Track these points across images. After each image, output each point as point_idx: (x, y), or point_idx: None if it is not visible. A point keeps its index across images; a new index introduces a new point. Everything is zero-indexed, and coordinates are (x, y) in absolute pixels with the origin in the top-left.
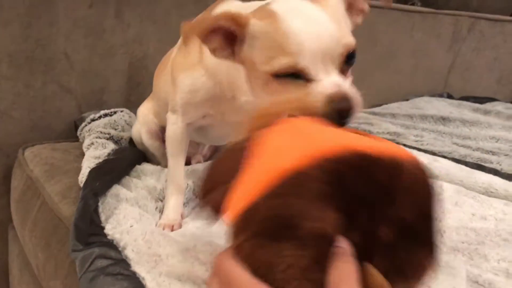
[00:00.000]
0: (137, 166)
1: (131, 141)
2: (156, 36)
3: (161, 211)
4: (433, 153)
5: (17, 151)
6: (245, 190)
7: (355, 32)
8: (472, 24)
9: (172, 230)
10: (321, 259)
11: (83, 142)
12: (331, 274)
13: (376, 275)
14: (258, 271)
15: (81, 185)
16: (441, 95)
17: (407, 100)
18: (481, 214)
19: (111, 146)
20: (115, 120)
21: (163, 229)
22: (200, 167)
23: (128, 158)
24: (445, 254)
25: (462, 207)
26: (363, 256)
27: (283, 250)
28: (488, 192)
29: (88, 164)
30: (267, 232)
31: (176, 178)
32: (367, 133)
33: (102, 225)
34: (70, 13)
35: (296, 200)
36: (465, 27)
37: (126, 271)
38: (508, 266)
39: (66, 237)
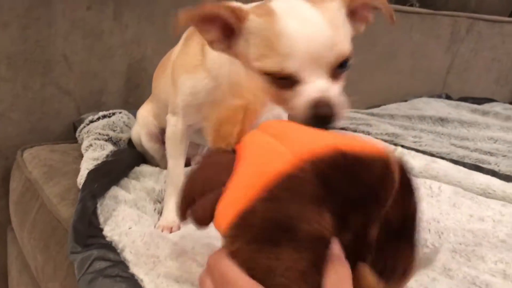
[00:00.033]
0: (136, 168)
1: (129, 142)
2: (155, 38)
3: (160, 213)
4: (431, 154)
5: (16, 153)
6: (238, 195)
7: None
8: (470, 25)
9: (170, 232)
10: (318, 262)
11: (81, 143)
12: (328, 277)
13: (369, 276)
14: (256, 276)
15: (80, 186)
16: (439, 96)
17: (406, 100)
18: (478, 215)
19: (109, 148)
20: (113, 122)
21: (162, 230)
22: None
23: (126, 160)
24: (443, 256)
25: (460, 208)
26: (354, 257)
27: (281, 253)
28: (486, 193)
29: (86, 165)
30: (264, 236)
31: (176, 180)
32: (346, 134)
33: (101, 227)
34: (68, 14)
35: (291, 203)
36: (464, 28)
37: (124, 273)
38: (505, 267)
39: (65, 239)
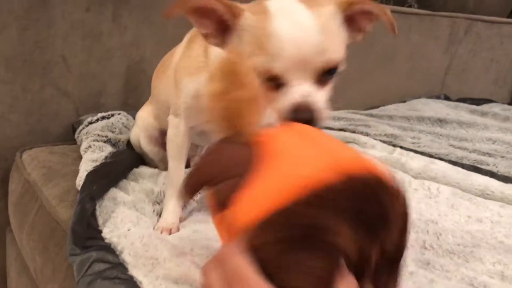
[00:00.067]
0: (135, 169)
1: (128, 143)
2: (153, 39)
3: (159, 214)
4: (430, 155)
5: (15, 155)
6: (271, 192)
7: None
8: (468, 26)
9: (170, 234)
10: (335, 272)
11: (80, 145)
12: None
13: None
14: (274, 275)
15: (79, 188)
16: (438, 97)
17: (405, 101)
18: (477, 216)
19: (108, 149)
20: (112, 123)
21: (161, 232)
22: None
23: (125, 161)
24: (441, 257)
25: (458, 210)
26: (356, 275)
27: (306, 259)
28: (484, 194)
29: (85, 167)
30: (293, 238)
31: (176, 181)
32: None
33: (100, 228)
34: (67, 16)
35: (325, 213)
36: (462, 29)
37: (123, 275)
38: (503, 268)
39: (64, 240)
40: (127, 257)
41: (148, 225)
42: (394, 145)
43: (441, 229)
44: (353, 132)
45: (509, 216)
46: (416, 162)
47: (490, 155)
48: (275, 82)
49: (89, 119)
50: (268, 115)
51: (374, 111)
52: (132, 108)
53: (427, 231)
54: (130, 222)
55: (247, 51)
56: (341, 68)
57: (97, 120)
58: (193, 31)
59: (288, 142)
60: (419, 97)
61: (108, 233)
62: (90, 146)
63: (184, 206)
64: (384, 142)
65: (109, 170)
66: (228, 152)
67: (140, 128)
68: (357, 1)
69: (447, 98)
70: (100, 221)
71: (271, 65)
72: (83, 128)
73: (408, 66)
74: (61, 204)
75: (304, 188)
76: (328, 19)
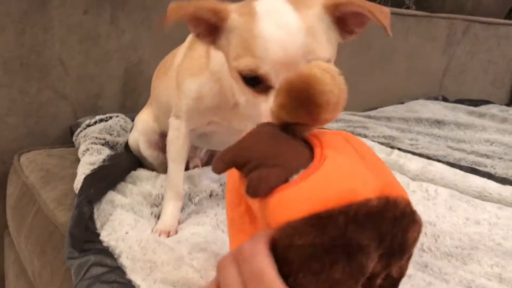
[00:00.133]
0: (133, 172)
1: (126, 146)
2: (151, 42)
3: (157, 217)
4: (428, 157)
5: (13, 158)
6: (317, 195)
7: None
8: (466, 27)
9: (168, 236)
10: None
11: (78, 147)
12: None
13: None
14: (293, 277)
15: (77, 191)
16: (436, 98)
17: (403, 103)
18: (475, 218)
19: (106, 152)
20: (110, 125)
21: (159, 235)
22: (197, 172)
23: (123, 164)
24: (439, 260)
25: (456, 212)
26: None
27: (333, 271)
28: (482, 196)
29: (83, 170)
30: (327, 248)
31: (176, 184)
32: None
33: (98, 231)
34: (65, 19)
35: (366, 233)
36: (460, 30)
37: (121, 278)
38: (501, 271)
39: (62, 244)
40: (125, 260)
41: (146, 228)
42: (392, 147)
43: (439, 231)
44: (351, 133)
45: (507, 218)
46: (414, 164)
47: (488, 156)
48: (263, 85)
49: (87, 122)
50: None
51: (372, 113)
52: (130, 111)
53: (425, 233)
54: (128, 225)
55: (234, 52)
56: None
57: (95, 122)
58: None
59: (339, 152)
60: (417, 99)
61: (106, 236)
62: (88, 149)
63: (182, 209)
64: (382, 143)
65: (107, 173)
66: (279, 140)
67: (139, 132)
68: (344, 2)
69: (445, 99)
70: (98, 224)
71: (257, 66)
72: (81, 130)
73: (406, 67)
74: (59, 207)
75: (347, 202)
76: (315, 20)
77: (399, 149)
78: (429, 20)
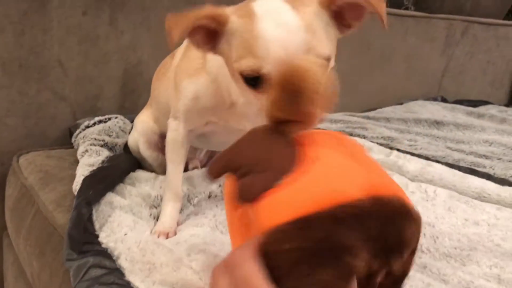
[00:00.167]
0: (132, 173)
1: (125, 147)
2: (150, 43)
3: (156, 218)
4: (426, 158)
5: (12, 159)
6: (300, 199)
7: (349, 36)
8: (465, 28)
9: (167, 238)
10: None
11: (77, 149)
12: None
13: None
14: (282, 281)
15: (75, 193)
16: (435, 99)
17: (402, 103)
18: (473, 219)
19: (105, 153)
20: (109, 127)
21: (158, 236)
22: (196, 173)
23: (122, 165)
24: (438, 261)
25: (455, 212)
26: None
27: (320, 273)
28: (481, 197)
29: (82, 171)
30: (312, 251)
31: (174, 185)
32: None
33: (96, 233)
34: (63, 20)
35: (348, 232)
36: (459, 31)
37: (120, 280)
38: (499, 272)
39: (61, 245)
40: (123, 262)
41: (145, 229)
42: (391, 148)
43: (438, 232)
44: (350, 134)
45: (505, 219)
46: (413, 164)
47: (487, 157)
48: (265, 84)
49: (86, 123)
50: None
51: (371, 114)
52: (129, 112)
53: (424, 234)
54: (126, 226)
55: (236, 54)
56: (331, 65)
57: (94, 124)
58: None
59: (329, 152)
60: (416, 99)
61: (105, 238)
62: (87, 150)
63: (181, 210)
64: (381, 144)
65: (106, 174)
66: (269, 144)
67: (139, 132)
68: None
69: (444, 100)
70: (96, 225)
71: (259, 66)
72: (80, 132)
73: (405, 68)
74: (58, 208)
75: (333, 203)
76: (313, 17)
77: (398, 150)
78: (428, 21)
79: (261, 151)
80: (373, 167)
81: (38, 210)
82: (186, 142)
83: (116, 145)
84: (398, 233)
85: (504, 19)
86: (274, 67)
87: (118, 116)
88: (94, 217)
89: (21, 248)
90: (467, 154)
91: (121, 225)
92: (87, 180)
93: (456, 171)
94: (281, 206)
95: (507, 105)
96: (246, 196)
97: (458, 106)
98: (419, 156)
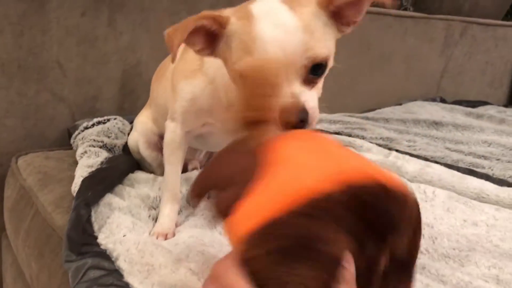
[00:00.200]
0: (130, 174)
1: (124, 148)
2: (149, 44)
3: (155, 219)
4: (425, 159)
5: (10, 160)
6: (266, 203)
7: (348, 37)
8: (464, 28)
9: (165, 239)
10: (331, 283)
11: (76, 150)
12: None
13: None
14: (267, 286)
15: (74, 194)
16: (434, 99)
17: (401, 104)
18: (472, 220)
19: (104, 155)
20: (108, 128)
21: (157, 237)
22: (195, 174)
23: (121, 167)
24: (436, 261)
25: (454, 213)
26: (363, 281)
27: (298, 269)
28: (480, 198)
29: (81, 173)
30: (286, 250)
31: (172, 186)
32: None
33: (95, 234)
34: (62, 21)
35: (321, 224)
36: (457, 31)
37: (119, 281)
38: (498, 272)
39: (59, 247)
40: (122, 263)
41: (143, 231)
42: (390, 149)
43: (436, 233)
44: (349, 135)
45: (504, 219)
46: (412, 165)
47: (485, 158)
48: None
49: (84, 124)
50: None
51: (370, 114)
52: (128, 113)
53: (423, 235)
54: (125, 227)
55: (234, 56)
56: (329, 65)
57: (93, 125)
58: None
59: (292, 151)
60: (415, 100)
61: (104, 239)
62: (85, 152)
63: (180, 211)
64: (380, 145)
65: (105, 175)
66: (235, 158)
67: (139, 132)
68: None
69: (443, 100)
70: (95, 227)
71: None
72: (79, 133)
73: (404, 68)
74: (56, 210)
75: (298, 199)
76: (311, 18)
77: (397, 150)
78: (426, 21)
79: (228, 167)
80: (343, 156)
81: (37, 211)
82: (184, 143)
83: (115, 146)
84: (383, 214)
85: (502, 19)
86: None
87: (117, 117)
88: (93, 218)
89: (20, 249)
90: (466, 154)
91: (120, 227)
92: (86, 181)
93: (455, 172)
94: (250, 214)
95: (506, 106)
96: (219, 213)
97: (457, 106)
98: (418, 156)
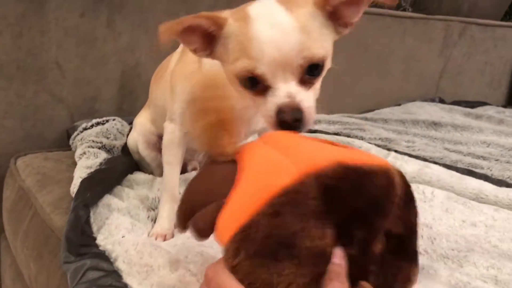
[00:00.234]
0: (129, 175)
1: (123, 149)
2: (148, 45)
3: (153, 220)
4: (424, 159)
5: (9, 161)
6: (240, 209)
7: (347, 38)
8: (463, 29)
9: (164, 240)
10: (319, 277)
11: (75, 151)
12: None
13: None
14: (256, 287)
15: (73, 195)
16: (433, 100)
17: (399, 105)
18: (471, 220)
19: (103, 156)
20: (107, 129)
21: (156, 238)
22: (194, 174)
23: (120, 168)
24: (435, 262)
25: (452, 214)
26: (359, 269)
27: (283, 269)
28: (479, 198)
29: (80, 174)
30: (266, 251)
31: (171, 187)
32: (347, 146)
33: (94, 235)
34: (61, 22)
35: (294, 219)
36: (456, 32)
37: (118, 282)
38: (496, 273)
39: (58, 248)
40: (121, 264)
41: (142, 232)
42: (389, 149)
43: (435, 233)
44: (348, 136)
45: (503, 220)
46: (411, 166)
47: (484, 158)
48: (260, 86)
49: (83, 125)
50: (258, 121)
51: (368, 115)
52: (127, 114)
53: (422, 236)
54: (124, 228)
55: (231, 57)
56: (327, 66)
57: (92, 126)
58: None
59: (261, 154)
60: (414, 100)
61: (103, 240)
62: (84, 153)
63: None
64: (378, 146)
65: (104, 176)
66: (210, 176)
67: (138, 133)
68: None
69: (441, 101)
70: (94, 228)
71: (254, 67)
72: (78, 134)
73: (403, 69)
74: (55, 211)
75: (266, 199)
76: (308, 18)
77: (395, 151)
78: (425, 22)
79: (208, 184)
80: (314, 150)
81: (35, 213)
82: (183, 145)
83: (114, 147)
84: (362, 199)
85: (501, 20)
86: (269, 67)
87: (116, 118)
88: (92, 220)
89: (19, 251)
90: (464, 155)
91: (119, 228)
92: (84, 182)
93: (454, 172)
94: (228, 222)
95: (504, 106)
96: (198, 231)
97: (456, 107)
98: (416, 157)
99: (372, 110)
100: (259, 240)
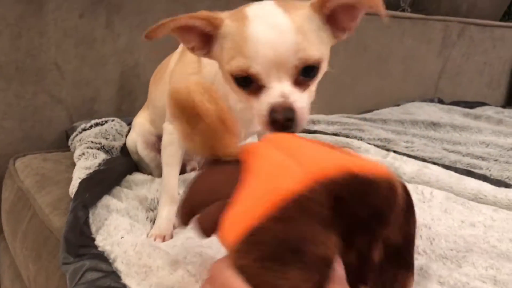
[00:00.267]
0: (128, 176)
1: (122, 150)
2: (147, 45)
3: (152, 221)
4: (423, 159)
5: (8, 162)
6: (247, 210)
7: (347, 38)
8: (462, 29)
9: (163, 241)
10: (323, 282)
11: (74, 152)
12: None
13: None
14: None
15: (72, 196)
16: (432, 100)
17: (398, 105)
18: (470, 221)
19: (102, 156)
20: (106, 130)
21: (155, 239)
22: (193, 175)
23: (119, 168)
24: (434, 262)
25: (451, 214)
26: (358, 275)
27: (288, 273)
28: (477, 199)
29: (78, 174)
30: (272, 255)
31: (170, 188)
32: (343, 149)
33: (93, 236)
34: (60, 23)
35: (301, 224)
36: (455, 32)
37: (116, 283)
38: (495, 273)
39: (57, 248)
40: (120, 265)
41: (141, 233)
42: (388, 150)
43: (434, 234)
44: (347, 136)
45: (502, 220)
46: (410, 166)
47: (483, 158)
48: (255, 85)
49: (82, 126)
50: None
51: (368, 115)
52: (126, 114)
53: (420, 236)
54: (123, 229)
55: (227, 57)
56: (323, 69)
57: (91, 127)
58: None
59: (266, 157)
60: (413, 101)
61: (101, 241)
62: (83, 153)
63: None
64: (377, 146)
65: (103, 177)
66: (213, 175)
67: (137, 133)
68: None
69: (440, 101)
70: (93, 229)
71: (248, 66)
72: (77, 135)
73: (402, 69)
74: (54, 212)
75: (273, 203)
76: (304, 20)
77: (394, 151)
78: (424, 22)
79: (210, 183)
80: (319, 155)
81: (34, 213)
82: (182, 146)
83: (112, 148)
84: (365, 207)
85: (500, 20)
86: (263, 66)
87: (115, 118)
88: (91, 220)
89: (18, 251)
90: (463, 155)
91: (118, 228)
92: (83, 183)
93: (453, 173)
94: (234, 223)
95: (503, 106)
96: (203, 230)
97: (454, 107)
98: (415, 157)
99: (371, 111)
100: (265, 244)
